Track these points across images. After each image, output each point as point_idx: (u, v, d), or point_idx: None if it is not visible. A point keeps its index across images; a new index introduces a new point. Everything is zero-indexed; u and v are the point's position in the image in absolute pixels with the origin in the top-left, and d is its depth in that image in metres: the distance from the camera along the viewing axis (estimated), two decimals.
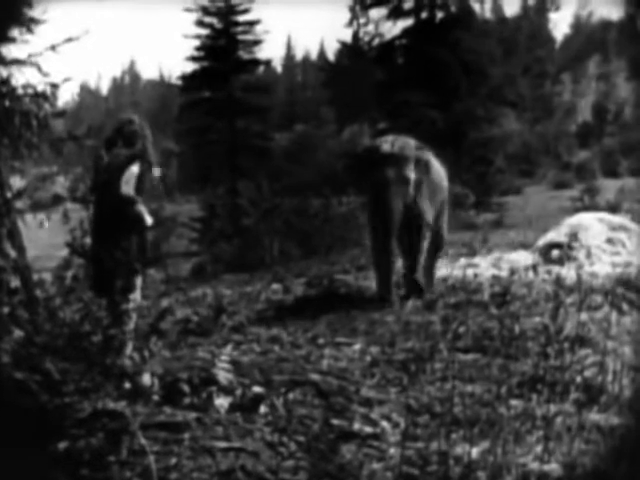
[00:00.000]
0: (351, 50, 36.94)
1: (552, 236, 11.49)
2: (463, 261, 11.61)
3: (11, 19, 5.50)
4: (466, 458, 3.35)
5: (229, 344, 6.19)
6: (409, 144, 8.54)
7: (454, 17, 28.13)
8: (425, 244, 8.53)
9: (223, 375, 4.62)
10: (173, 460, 3.56)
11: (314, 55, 73.50)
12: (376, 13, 30.85)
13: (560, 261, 10.38)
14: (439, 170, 9.07)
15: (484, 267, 10.89)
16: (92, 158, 5.38)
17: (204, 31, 28.02)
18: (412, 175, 8.29)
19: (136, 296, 5.11)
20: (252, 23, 28.11)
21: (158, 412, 4.15)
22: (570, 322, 5.22)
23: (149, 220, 5.20)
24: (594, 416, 3.96)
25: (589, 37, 56.59)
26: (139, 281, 5.17)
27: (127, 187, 5.07)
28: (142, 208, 5.15)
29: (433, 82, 25.72)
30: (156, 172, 5.35)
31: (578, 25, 63.39)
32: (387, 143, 8.47)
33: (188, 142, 29.15)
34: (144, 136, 5.23)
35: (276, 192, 21.06)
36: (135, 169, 5.12)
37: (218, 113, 27.19)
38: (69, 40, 5.65)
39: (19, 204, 5.20)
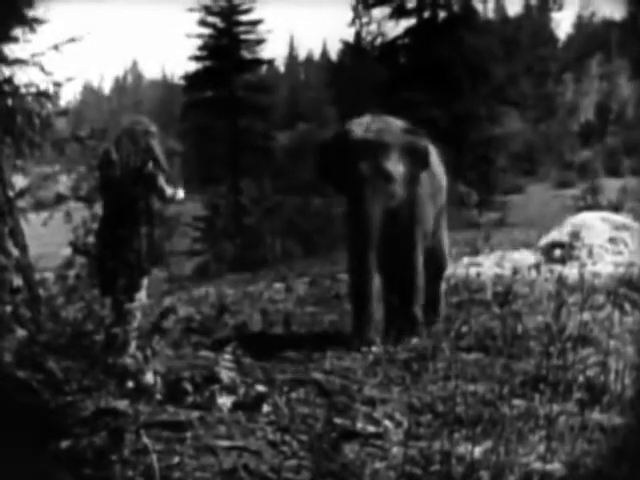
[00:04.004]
0: (354, 49, 36.91)
1: (554, 235, 11.50)
2: (466, 260, 11.63)
3: (14, 19, 5.51)
4: (469, 457, 3.34)
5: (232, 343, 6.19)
6: (392, 127, 6.43)
7: (457, 16, 28.09)
8: (420, 263, 6.59)
9: (226, 374, 4.62)
10: (176, 459, 3.56)
11: (317, 54, 73.52)
12: (379, 12, 30.85)
13: (562, 260, 10.39)
14: (438, 164, 7.16)
15: (487, 266, 10.91)
16: (97, 157, 5.40)
17: (207, 31, 28.05)
18: (398, 168, 6.22)
19: (141, 295, 5.13)
20: (255, 23, 28.13)
21: (161, 411, 4.16)
22: (572, 321, 5.22)
23: (170, 191, 5.25)
24: (597, 416, 3.96)
25: (592, 36, 56.46)
26: (145, 281, 5.20)
27: (160, 182, 5.16)
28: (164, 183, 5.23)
29: (435, 81, 25.70)
30: (180, 194, 5.36)
31: (581, 24, 63.25)
32: (360, 126, 6.35)
33: (191, 141, 29.16)
34: (149, 133, 5.23)
35: (278, 191, 21.11)
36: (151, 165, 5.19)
37: (220, 112, 27.19)
38: (72, 40, 5.66)
39: (21, 203, 5.22)
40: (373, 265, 6.14)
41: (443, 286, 7.39)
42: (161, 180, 5.16)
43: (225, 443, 3.77)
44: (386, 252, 6.27)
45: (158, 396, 4.37)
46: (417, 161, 6.33)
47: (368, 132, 6.24)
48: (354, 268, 6.27)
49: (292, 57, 74.29)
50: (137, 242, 5.11)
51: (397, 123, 6.55)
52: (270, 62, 34.56)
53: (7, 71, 5.37)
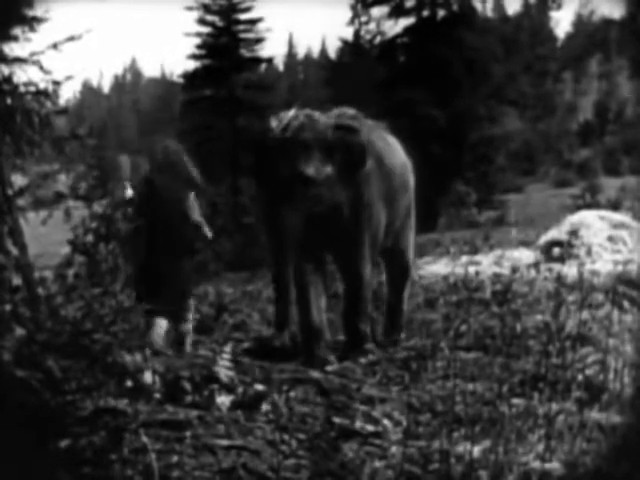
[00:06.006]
0: (353, 48, 37.00)
1: (553, 234, 11.52)
2: (465, 259, 11.66)
3: (13, 18, 5.50)
4: (467, 457, 3.34)
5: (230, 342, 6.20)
6: (316, 122, 5.63)
7: (456, 15, 28.17)
8: (367, 272, 5.99)
9: (224, 373, 4.62)
10: (175, 458, 3.56)
11: (316, 53, 73.58)
12: (377, 11, 31.05)
13: (561, 259, 10.40)
14: (398, 160, 6.49)
15: (486, 265, 10.93)
16: (96, 157, 5.58)
17: (206, 29, 28.04)
18: (324, 169, 5.52)
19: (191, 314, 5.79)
20: (254, 21, 28.12)
21: (160, 410, 4.15)
22: (571, 320, 5.21)
23: (209, 234, 5.83)
24: (596, 415, 3.95)
25: (591, 35, 56.52)
26: (192, 301, 5.78)
27: (195, 215, 5.74)
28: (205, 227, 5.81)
29: (435, 80, 25.76)
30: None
31: (580, 23, 63.33)
32: (280, 123, 5.56)
33: (190, 140, 29.14)
34: (185, 160, 5.60)
35: None
36: (192, 197, 5.68)
37: (220, 111, 27.19)
38: (71, 38, 5.65)
39: (21, 202, 5.20)
40: (289, 278, 5.61)
41: (407, 295, 6.94)
42: (196, 214, 5.68)
43: (224, 442, 3.77)
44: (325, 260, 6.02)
45: (157, 395, 4.37)
46: (351, 159, 5.63)
47: (287, 130, 5.50)
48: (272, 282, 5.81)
49: (291, 56, 74.40)
50: (181, 265, 5.59)
51: (326, 115, 5.85)
52: (269, 61, 34.49)
53: (6, 70, 5.35)
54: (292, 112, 5.68)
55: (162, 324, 5.51)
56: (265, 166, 5.58)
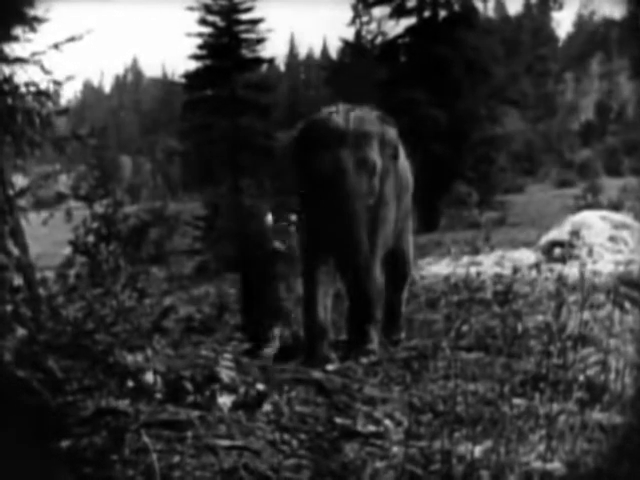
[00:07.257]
0: (354, 48, 36.98)
1: (555, 234, 11.50)
2: (466, 259, 11.65)
3: (14, 18, 5.50)
4: (469, 457, 3.34)
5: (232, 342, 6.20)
6: (370, 115, 5.93)
7: (457, 15, 28.10)
8: (377, 271, 5.98)
9: (226, 373, 4.62)
10: (176, 458, 3.56)
11: (317, 53, 73.59)
12: (379, 11, 31.04)
13: (563, 259, 10.39)
14: (404, 161, 6.58)
15: (487, 265, 10.92)
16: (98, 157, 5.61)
17: (207, 29, 27.96)
18: (378, 160, 5.76)
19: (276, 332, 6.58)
20: (255, 21, 28.06)
21: (161, 410, 4.15)
22: (573, 320, 5.21)
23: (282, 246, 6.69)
24: (597, 415, 3.95)
25: (592, 36, 56.56)
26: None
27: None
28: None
29: (436, 80, 25.71)
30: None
31: (581, 24, 63.36)
32: (339, 116, 5.74)
33: (191, 140, 29.14)
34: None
35: (279, 191, 21.03)
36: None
37: (221, 111, 27.14)
38: (72, 38, 5.65)
39: (22, 202, 5.20)
40: (378, 270, 5.84)
41: (405, 295, 7.03)
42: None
43: (225, 442, 3.77)
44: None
45: (158, 395, 4.37)
46: (388, 152, 5.88)
47: (349, 122, 5.69)
48: (361, 276, 5.72)
49: (292, 56, 74.34)
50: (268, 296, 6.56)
51: (372, 111, 6.03)
52: (270, 61, 34.43)
53: (7, 70, 5.36)
54: (341, 106, 5.89)
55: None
56: (326, 157, 5.63)
